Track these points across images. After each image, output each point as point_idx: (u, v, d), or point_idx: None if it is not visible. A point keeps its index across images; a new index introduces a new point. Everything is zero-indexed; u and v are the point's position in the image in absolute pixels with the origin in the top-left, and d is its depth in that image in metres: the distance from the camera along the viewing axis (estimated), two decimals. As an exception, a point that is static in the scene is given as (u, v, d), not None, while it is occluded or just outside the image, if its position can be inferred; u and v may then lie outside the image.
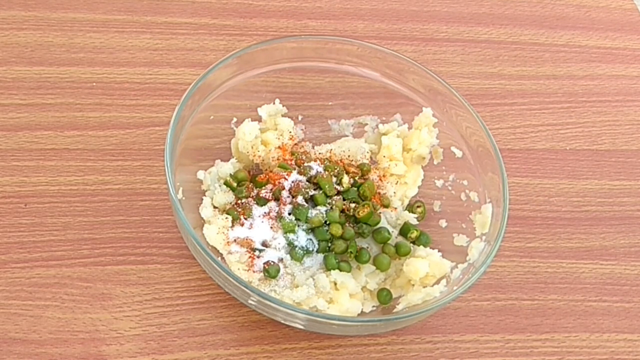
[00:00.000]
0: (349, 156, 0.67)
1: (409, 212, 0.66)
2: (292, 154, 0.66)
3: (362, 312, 0.61)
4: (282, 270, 0.60)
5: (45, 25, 0.76)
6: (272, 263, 0.60)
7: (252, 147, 0.65)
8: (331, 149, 0.68)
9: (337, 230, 0.62)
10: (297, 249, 0.61)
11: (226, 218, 0.61)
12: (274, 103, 0.67)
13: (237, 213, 0.61)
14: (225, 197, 0.63)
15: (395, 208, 0.66)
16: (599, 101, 0.81)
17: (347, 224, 0.63)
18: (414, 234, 0.65)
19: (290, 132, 0.67)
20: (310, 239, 0.62)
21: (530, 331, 0.64)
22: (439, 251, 0.62)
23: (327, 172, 0.64)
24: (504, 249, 0.68)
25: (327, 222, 0.62)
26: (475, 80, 0.81)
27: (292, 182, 0.62)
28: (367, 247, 0.64)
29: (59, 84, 0.72)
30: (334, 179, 0.64)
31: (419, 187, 0.67)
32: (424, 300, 0.59)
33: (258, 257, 0.60)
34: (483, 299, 0.66)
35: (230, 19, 0.81)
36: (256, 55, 0.66)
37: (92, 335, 0.59)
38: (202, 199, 0.62)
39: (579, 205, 0.73)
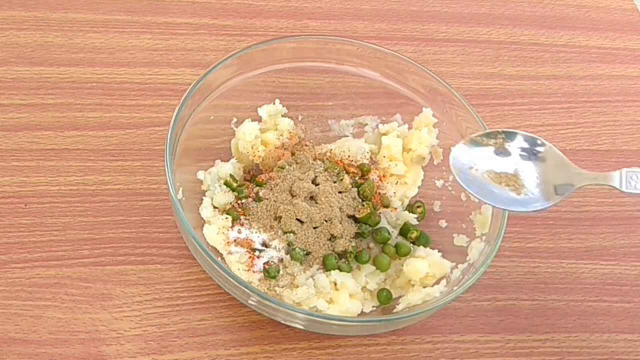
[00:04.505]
0: (349, 156, 0.67)
1: (409, 212, 0.66)
2: (292, 154, 0.66)
3: (362, 312, 0.61)
4: (282, 270, 0.60)
5: (45, 25, 0.76)
6: (272, 263, 0.60)
7: (252, 147, 0.65)
8: (331, 149, 0.68)
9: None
10: (297, 249, 0.61)
11: (226, 218, 0.61)
12: (274, 103, 0.67)
13: (237, 213, 0.61)
14: (225, 197, 0.63)
15: (395, 208, 0.66)
16: (599, 101, 0.81)
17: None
18: (414, 234, 0.65)
19: (290, 132, 0.67)
20: (310, 239, 0.62)
21: (530, 331, 0.64)
22: (439, 251, 0.62)
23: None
24: (504, 249, 0.67)
25: (327, 222, 0.62)
26: (475, 80, 0.81)
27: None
28: (367, 247, 0.64)
29: (59, 84, 0.72)
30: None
31: (419, 187, 0.67)
32: (424, 300, 0.59)
33: (258, 257, 0.60)
34: (483, 299, 0.66)
35: (230, 19, 0.81)
36: (256, 55, 0.66)
37: (92, 335, 0.59)
38: (202, 199, 0.62)
39: (579, 205, 0.73)
